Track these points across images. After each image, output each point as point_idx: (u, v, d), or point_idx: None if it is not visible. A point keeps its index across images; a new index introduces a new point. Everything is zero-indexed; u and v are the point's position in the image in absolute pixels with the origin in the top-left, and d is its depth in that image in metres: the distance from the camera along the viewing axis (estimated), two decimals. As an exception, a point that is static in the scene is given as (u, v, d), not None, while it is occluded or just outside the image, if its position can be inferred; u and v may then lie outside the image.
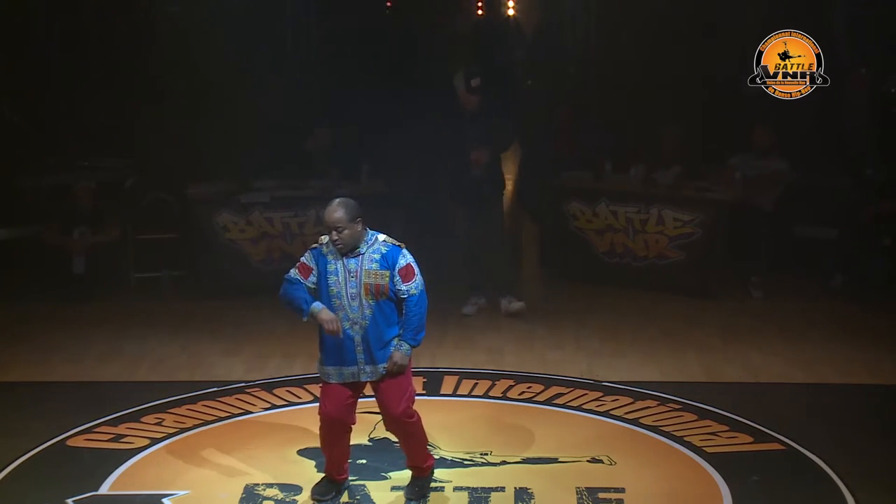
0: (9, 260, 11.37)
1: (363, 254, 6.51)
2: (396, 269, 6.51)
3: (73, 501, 6.80)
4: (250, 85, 12.48)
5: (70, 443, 7.64)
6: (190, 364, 9.31)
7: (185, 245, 11.53)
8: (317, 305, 6.51)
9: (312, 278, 6.57)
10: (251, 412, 8.19)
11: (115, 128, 12.66)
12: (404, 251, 6.56)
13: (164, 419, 8.01)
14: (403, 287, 6.52)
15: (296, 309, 6.55)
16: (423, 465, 6.89)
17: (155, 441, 7.66)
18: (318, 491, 6.85)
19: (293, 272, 6.61)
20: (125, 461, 7.33)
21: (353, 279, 6.50)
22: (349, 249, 6.50)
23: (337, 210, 6.46)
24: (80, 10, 13.41)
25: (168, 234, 11.60)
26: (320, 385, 6.75)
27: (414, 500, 6.82)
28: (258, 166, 11.59)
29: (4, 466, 7.26)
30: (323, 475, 6.93)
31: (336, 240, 6.46)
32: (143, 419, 8.02)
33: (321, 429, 6.76)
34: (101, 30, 13.31)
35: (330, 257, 6.54)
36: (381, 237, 6.59)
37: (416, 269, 6.57)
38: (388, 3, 15.62)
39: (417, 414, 6.77)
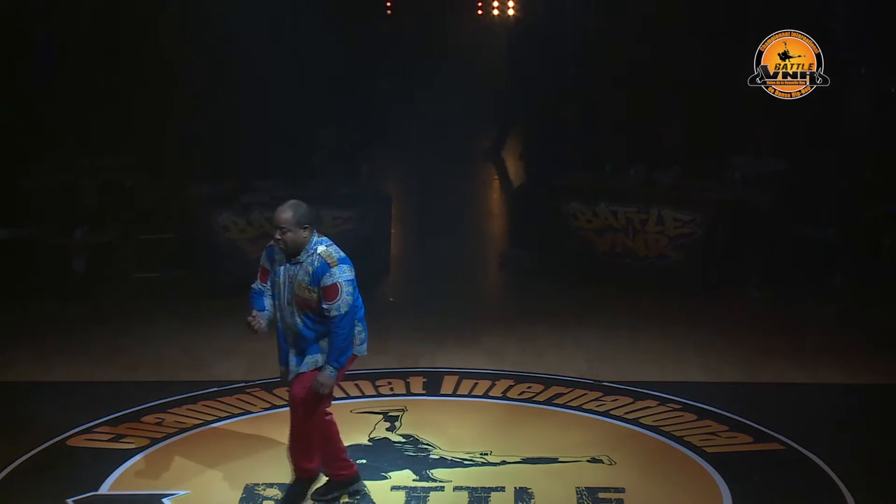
0: (9, 260, 11.37)
1: (301, 262, 6.48)
2: (320, 286, 6.43)
3: (73, 501, 6.80)
4: (251, 84, 12.48)
5: (70, 443, 7.64)
6: (190, 364, 9.30)
7: (185, 245, 11.53)
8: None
9: (269, 282, 6.64)
10: (251, 412, 8.19)
11: (115, 128, 12.66)
12: (332, 270, 6.41)
13: (164, 419, 8.01)
14: (325, 305, 6.43)
15: None
16: (336, 472, 6.78)
17: (155, 441, 7.65)
18: (318, 492, 6.82)
19: (256, 281, 6.68)
20: (125, 461, 7.33)
21: (290, 285, 6.51)
22: (291, 253, 6.49)
23: (286, 211, 6.44)
24: (80, 11, 13.41)
25: (168, 234, 11.60)
26: None
27: (316, 500, 6.75)
28: (259, 166, 11.61)
29: (4, 466, 7.26)
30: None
31: (279, 239, 6.46)
32: (143, 419, 8.02)
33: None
34: (101, 30, 13.31)
35: (277, 257, 6.57)
36: (321, 249, 6.48)
37: (344, 289, 6.41)
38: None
39: (327, 422, 6.66)
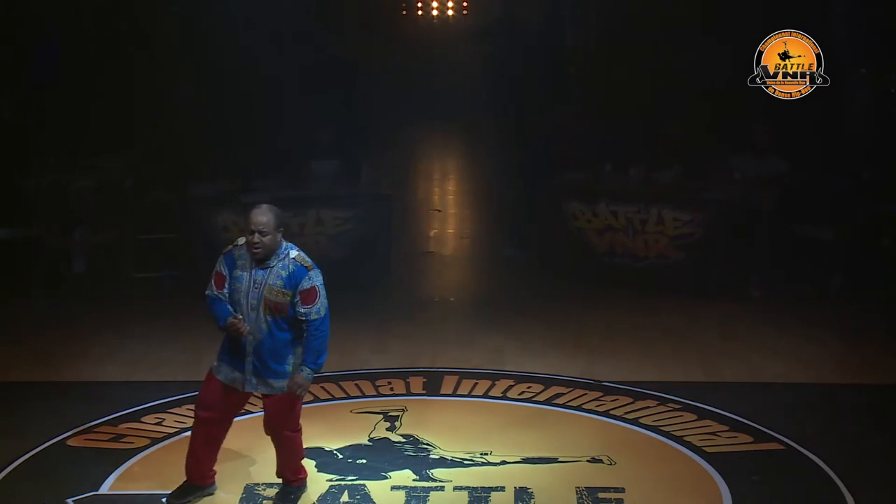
0: (9, 260, 11.36)
1: (272, 267, 6.46)
2: (298, 290, 6.43)
3: (73, 501, 6.80)
4: (251, 84, 12.48)
5: (70, 443, 7.64)
6: (190, 364, 9.28)
7: (185, 245, 11.52)
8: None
9: (226, 289, 6.58)
10: (251, 412, 8.16)
11: (115, 128, 12.65)
12: (311, 273, 6.46)
13: (164, 419, 8.02)
14: (303, 309, 6.45)
15: (216, 325, 6.60)
16: (292, 477, 6.82)
17: (155, 441, 7.66)
18: (176, 495, 6.74)
19: (211, 288, 6.62)
20: (125, 461, 7.33)
21: (256, 290, 6.48)
22: (265, 256, 6.46)
23: (265, 213, 6.42)
24: (81, 10, 13.40)
25: (168, 234, 11.59)
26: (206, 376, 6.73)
27: None
28: (259, 166, 11.60)
29: (4, 466, 7.26)
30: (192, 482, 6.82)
31: (256, 243, 6.41)
32: (143, 419, 8.02)
33: (195, 424, 6.73)
34: (102, 30, 13.31)
35: (239, 262, 6.52)
36: (294, 253, 6.51)
37: (321, 293, 6.48)
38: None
39: (301, 428, 6.75)
